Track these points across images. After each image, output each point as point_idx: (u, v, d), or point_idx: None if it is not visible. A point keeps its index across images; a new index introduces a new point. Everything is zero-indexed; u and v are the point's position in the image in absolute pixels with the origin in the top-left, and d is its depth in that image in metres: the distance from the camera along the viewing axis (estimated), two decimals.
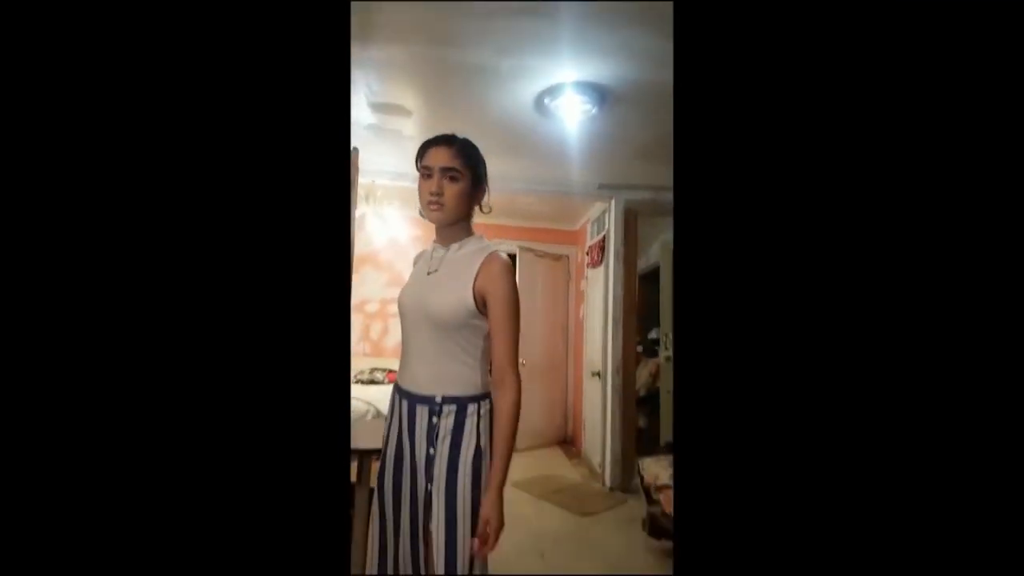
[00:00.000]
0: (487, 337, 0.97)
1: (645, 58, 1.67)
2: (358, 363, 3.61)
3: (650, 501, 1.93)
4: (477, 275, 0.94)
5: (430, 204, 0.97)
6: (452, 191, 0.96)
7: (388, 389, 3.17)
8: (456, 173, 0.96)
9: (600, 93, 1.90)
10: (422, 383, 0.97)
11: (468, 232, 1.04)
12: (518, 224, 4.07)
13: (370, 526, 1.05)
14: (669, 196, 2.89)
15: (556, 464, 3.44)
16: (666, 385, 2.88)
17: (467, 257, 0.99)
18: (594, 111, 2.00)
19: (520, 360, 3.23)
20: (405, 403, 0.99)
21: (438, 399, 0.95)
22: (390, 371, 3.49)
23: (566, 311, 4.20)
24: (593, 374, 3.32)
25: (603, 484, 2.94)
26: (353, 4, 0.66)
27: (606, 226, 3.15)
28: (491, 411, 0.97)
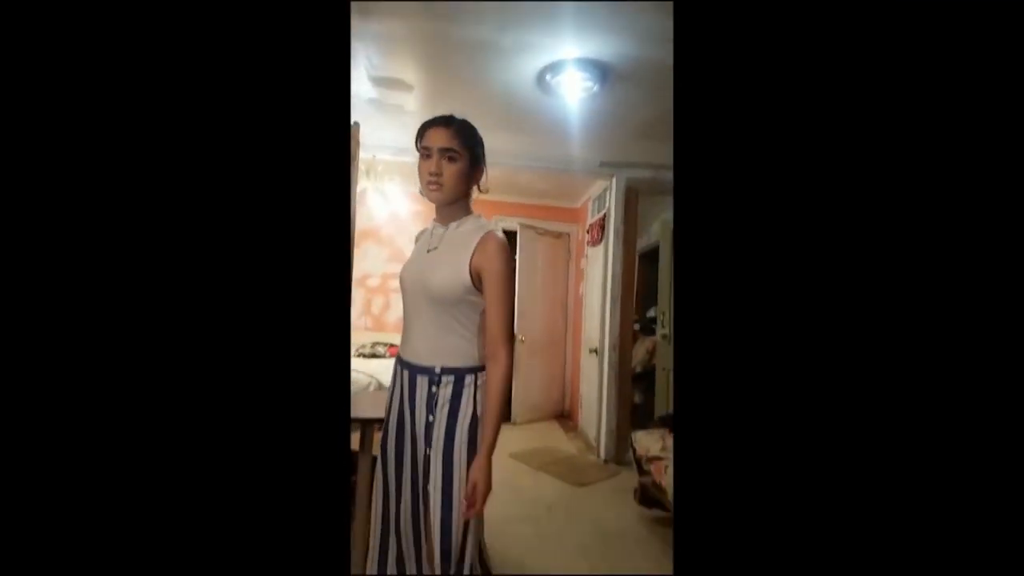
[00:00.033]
0: (484, 312, 1.01)
1: (647, 36, 1.66)
2: (360, 337, 3.67)
3: (641, 472, 2.00)
4: (474, 253, 0.98)
5: (429, 184, 1.00)
6: (450, 171, 0.99)
7: (389, 363, 3.24)
8: (454, 153, 0.98)
9: (602, 70, 1.89)
10: (422, 355, 1.02)
11: (467, 211, 1.07)
12: (520, 201, 4.07)
13: (373, 491, 1.11)
14: (670, 175, 2.90)
15: (553, 437, 3.53)
16: (662, 362, 2.94)
17: (465, 235, 1.02)
18: (595, 88, 1.99)
19: (520, 337, 3.29)
20: (406, 373, 1.04)
21: (437, 370, 1.00)
22: (391, 345, 3.55)
23: (566, 289, 4.23)
24: (591, 351, 3.38)
25: (598, 456, 3.03)
26: None
27: (607, 204, 3.16)
28: None
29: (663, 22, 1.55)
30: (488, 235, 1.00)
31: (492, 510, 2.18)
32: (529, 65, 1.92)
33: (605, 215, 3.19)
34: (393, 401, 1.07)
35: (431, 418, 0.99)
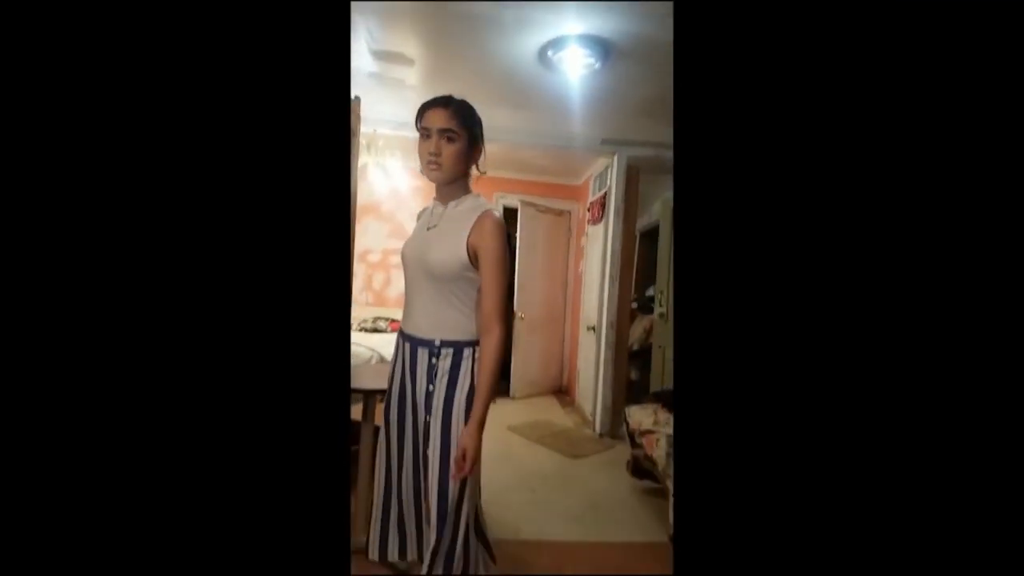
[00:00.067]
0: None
1: (650, 13, 1.64)
2: (361, 312, 3.72)
3: (634, 445, 2.07)
4: (471, 231, 1.01)
5: (429, 164, 1.02)
6: (449, 151, 1.01)
7: (390, 337, 3.29)
8: (453, 134, 1.00)
9: (604, 47, 1.87)
10: (423, 328, 1.06)
11: (466, 190, 1.09)
12: (521, 177, 4.05)
13: (376, 456, 1.17)
14: (672, 153, 2.89)
15: (551, 411, 3.62)
16: (658, 340, 2.99)
17: (463, 214, 1.05)
18: (597, 65, 1.97)
19: (519, 314, 3.33)
20: (408, 345, 1.09)
21: (437, 343, 1.04)
22: (393, 320, 3.60)
23: (566, 267, 4.25)
24: (588, 328, 3.43)
25: (593, 430, 3.12)
26: None
27: (608, 182, 3.16)
28: None
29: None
30: (485, 214, 1.02)
31: (490, 478, 2.27)
32: (531, 41, 1.90)
33: (606, 193, 3.19)
34: (396, 371, 1.12)
35: (431, 388, 1.04)
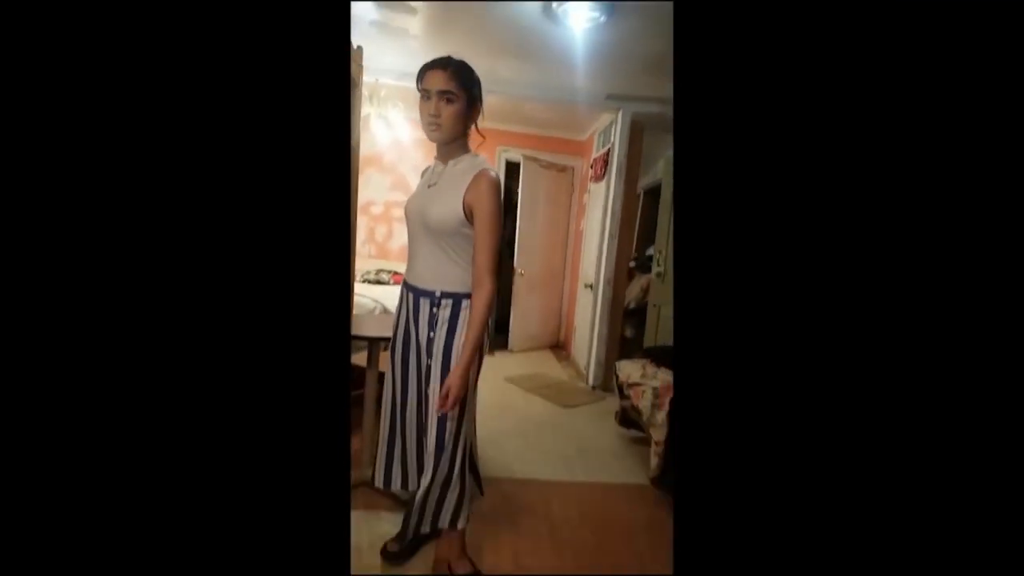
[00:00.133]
0: None
1: None
2: (365, 264, 3.78)
3: (622, 396, 2.19)
4: (467, 190, 1.06)
5: (430, 125, 1.06)
6: (448, 112, 1.04)
7: (393, 289, 3.36)
8: (452, 95, 1.03)
9: (609, 1, 1.83)
10: (424, 280, 1.14)
11: (465, 149, 1.13)
12: (524, 131, 4.00)
13: (383, 395, 1.27)
14: None
15: (547, 364, 3.76)
16: (654, 299, 3.06)
17: (461, 173, 1.09)
18: (602, 19, 1.92)
19: (519, 270, 3.41)
20: (411, 295, 1.18)
21: (437, 294, 1.12)
22: (396, 272, 3.67)
23: (567, 224, 4.27)
24: (586, 286, 3.51)
25: (586, 383, 3.26)
26: None
27: (612, 139, 3.13)
28: None
29: None
30: (480, 173, 1.07)
31: (487, 424, 2.41)
32: None
33: (609, 150, 3.17)
34: (400, 318, 1.22)
35: (432, 335, 1.13)
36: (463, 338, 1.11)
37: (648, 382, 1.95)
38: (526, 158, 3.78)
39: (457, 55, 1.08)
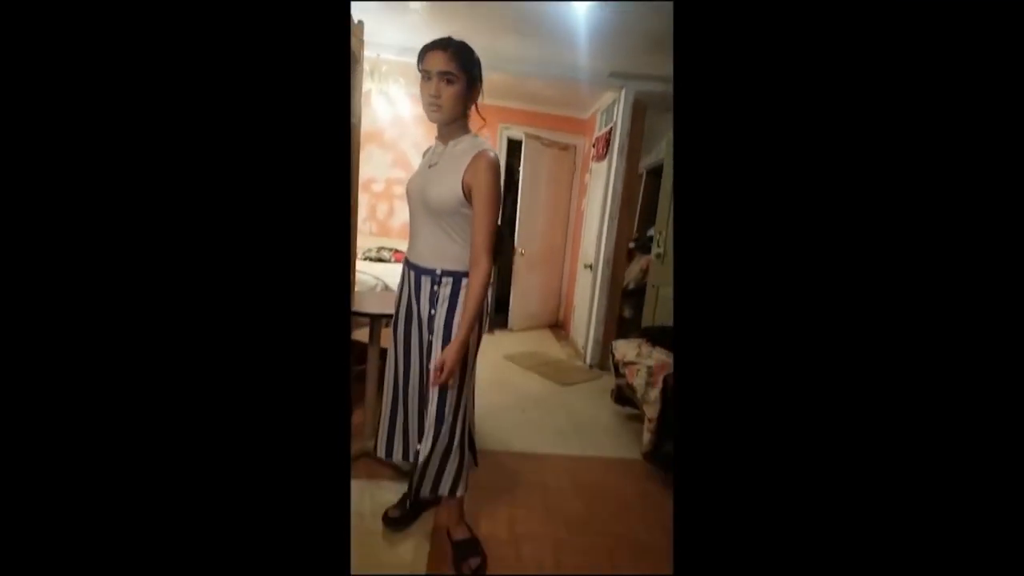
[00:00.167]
0: None
1: None
2: (366, 241, 3.80)
3: (618, 375, 2.24)
4: (466, 170, 1.08)
5: (430, 106, 1.07)
6: (448, 93, 1.05)
7: (394, 267, 3.39)
8: (452, 76, 1.04)
9: None
10: (426, 258, 1.17)
11: (465, 130, 1.15)
12: (527, 108, 3.96)
13: (386, 369, 1.32)
14: None
15: (546, 343, 3.81)
16: (652, 280, 3.09)
17: (461, 154, 1.11)
18: None
19: (519, 250, 3.43)
20: (413, 273, 1.21)
21: (438, 272, 1.15)
22: (397, 251, 3.70)
23: (568, 203, 4.26)
24: (586, 266, 3.53)
25: (584, 362, 3.32)
26: None
27: (614, 118, 3.10)
28: None
29: None
30: (479, 154, 1.09)
31: (485, 400, 2.48)
32: None
33: (611, 129, 3.15)
34: (402, 295, 1.25)
35: (433, 312, 1.17)
36: (461, 316, 1.14)
37: (643, 361, 1.99)
38: (528, 136, 3.76)
39: (459, 31, 1.09)
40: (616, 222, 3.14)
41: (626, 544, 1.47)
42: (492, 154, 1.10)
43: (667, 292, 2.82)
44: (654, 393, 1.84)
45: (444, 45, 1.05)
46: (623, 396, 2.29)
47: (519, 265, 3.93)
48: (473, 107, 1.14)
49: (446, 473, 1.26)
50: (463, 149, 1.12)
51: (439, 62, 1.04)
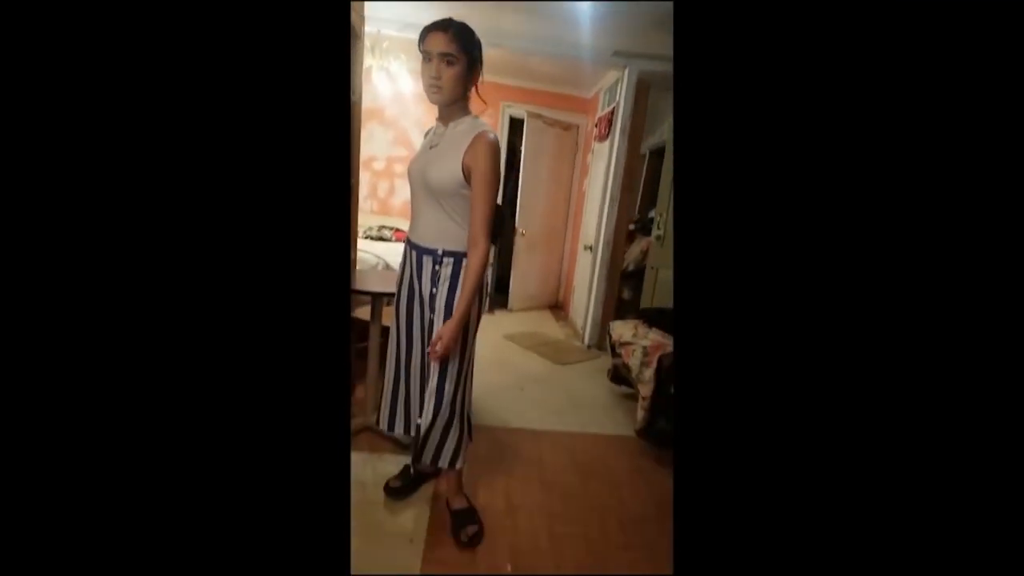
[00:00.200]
0: None
1: None
2: (367, 220, 3.81)
3: (614, 354, 2.28)
4: (466, 152, 1.09)
5: (431, 87, 1.08)
6: (448, 74, 1.06)
7: (395, 246, 3.41)
8: (452, 57, 1.05)
9: None
10: (427, 238, 1.20)
11: (465, 111, 1.16)
12: (530, 86, 3.92)
13: (388, 346, 1.36)
14: None
15: (545, 324, 3.85)
16: (652, 262, 3.11)
17: (461, 135, 1.12)
18: None
19: (520, 230, 3.44)
20: (415, 253, 1.24)
21: (440, 252, 1.18)
22: (397, 229, 3.71)
23: (570, 184, 4.24)
24: (586, 247, 3.54)
25: (582, 342, 3.36)
26: None
27: (617, 97, 3.08)
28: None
29: None
30: (479, 135, 1.10)
31: (484, 378, 2.53)
32: None
33: (614, 109, 3.13)
34: (404, 274, 1.28)
35: (434, 291, 1.20)
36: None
37: (639, 341, 2.03)
38: (530, 115, 3.72)
39: (462, 7, 1.09)
40: (617, 203, 3.14)
41: (617, 515, 1.54)
42: (492, 136, 1.11)
43: (666, 274, 2.85)
44: (648, 372, 1.88)
45: (445, 26, 1.05)
46: (619, 375, 2.34)
47: (520, 246, 3.95)
48: (474, 88, 1.15)
49: (446, 446, 1.31)
50: (463, 131, 1.13)
51: (440, 43, 1.04)
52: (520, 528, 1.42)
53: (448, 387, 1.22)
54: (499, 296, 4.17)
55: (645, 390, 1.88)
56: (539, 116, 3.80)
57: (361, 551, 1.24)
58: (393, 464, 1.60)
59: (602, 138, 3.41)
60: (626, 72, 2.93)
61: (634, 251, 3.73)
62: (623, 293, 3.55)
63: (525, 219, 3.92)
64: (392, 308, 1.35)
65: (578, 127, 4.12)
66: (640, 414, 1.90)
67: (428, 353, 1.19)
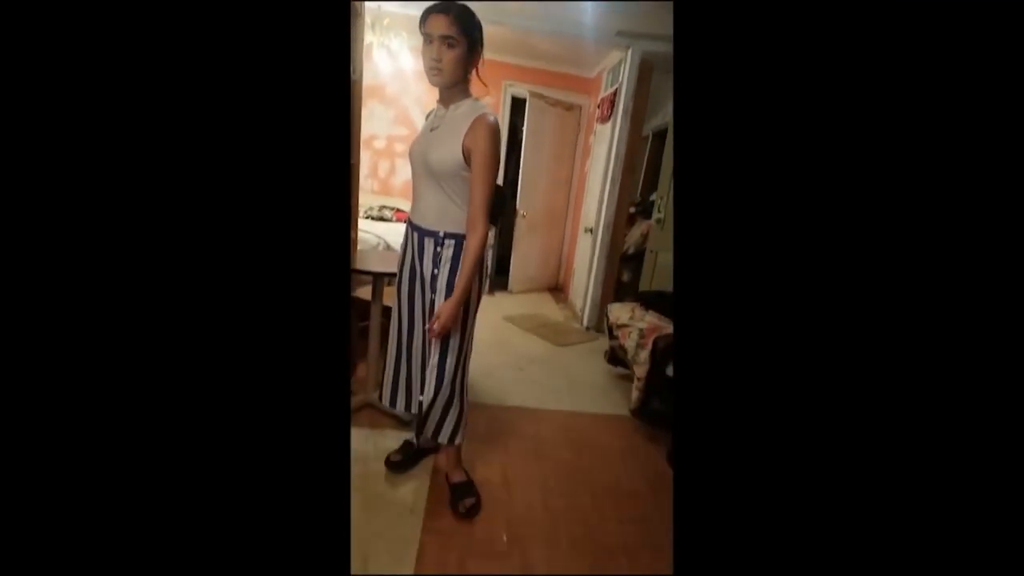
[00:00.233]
0: None
1: None
2: (367, 200, 3.81)
3: (611, 336, 2.32)
4: (466, 134, 1.10)
5: (431, 69, 1.08)
6: (449, 57, 1.07)
7: (396, 226, 3.43)
8: (453, 40, 1.05)
9: None
10: (429, 220, 1.22)
11: (465, 94, 1.16)
12: (532, 65, 3.87)
13: (390, 326, 1.39)
14: None
15: (545, 306, 3.89)
16: (652, 245, 3.12)
17: (461, 117, 1.13)
18: None
19: (521, 212, 3.45)
20: (416, 234, 1.26)
21: (441, 234, 1.20)
22: (398, 210, 3.71)
23: (572, 165, 4.22)
24: (587, 230, 3.55)
25: (581, 324, 3.40)
26: None
27: (620, 78, 3.05)
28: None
29: None
30: (479, 118, 1.11)
31: (484, 358, 2.57)
32: None
33: (617, 90, 3.10)
34: (406, 255, 1.31)
35: (435, 272, 1.23)
36: None
37: (635, 324, 2.07)
38: (532, 94, 3.69)
39: None
40: (618, 186, 3.14)
41: (610, 490, 1.59)
42: (492, 118, 1.12)
43: (665, 258, 2.87)
44: (644, 354, 1.92)
45: (446, 9, 1.05)
46: (615, 357, 2.38)
47: (520, 227, 3.95)
48: (474, 71, 1.15)
49: (446, 422, 1.35)
50: (463, 113, 1.14)
51: (440, 26, 1.05)
52: (516, 501, 1.48)
53: (448, 366, 1.26)
54: (499, 278, 4.19)
55: (640, 371, 1.92)
56: (541, 96, 3.76)
57: (363, 520, 1.30)
58: (394, 440, 1.65)
59: (604, 119, 3.39)
60: (629, 53, 2.90)
61: (634, 234, 3.74)
62: (622, 276, 3.57)
63: (526, 200, 3.91)
64: (393, 288, 1.38)
65: (580, 108, 4.08)
66: (635, 394, 1.94)
67: (427, 331, 1.22)
